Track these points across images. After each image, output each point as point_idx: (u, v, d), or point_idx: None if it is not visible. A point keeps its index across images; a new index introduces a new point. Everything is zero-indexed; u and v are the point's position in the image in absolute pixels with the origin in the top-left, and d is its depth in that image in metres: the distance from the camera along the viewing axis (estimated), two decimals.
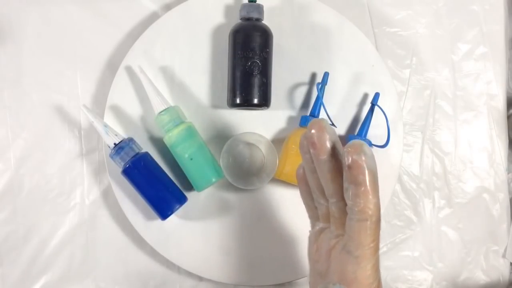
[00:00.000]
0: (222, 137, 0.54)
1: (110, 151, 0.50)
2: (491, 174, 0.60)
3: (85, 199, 0.56)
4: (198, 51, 0.55)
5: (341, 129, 0.55)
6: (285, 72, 0.55)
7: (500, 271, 0.59)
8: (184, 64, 0.55)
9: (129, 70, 0.54)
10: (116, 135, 0.50)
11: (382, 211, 0.38)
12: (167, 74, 0.54)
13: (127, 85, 0.54)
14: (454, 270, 0.59)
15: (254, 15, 0.52)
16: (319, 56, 0.55)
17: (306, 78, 0.55)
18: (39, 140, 0.56)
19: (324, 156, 0.33)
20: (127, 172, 0.50)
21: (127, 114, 0.54)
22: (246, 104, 0.51)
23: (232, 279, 0.53)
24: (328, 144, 0.32)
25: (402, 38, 0.60)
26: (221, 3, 0.55)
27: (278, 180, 0.52)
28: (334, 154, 0.33)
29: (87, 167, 0.56)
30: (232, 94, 0.52)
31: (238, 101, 0.51)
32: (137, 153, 0.50)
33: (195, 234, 0.53)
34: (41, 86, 0.56)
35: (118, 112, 0.54)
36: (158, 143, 0.54)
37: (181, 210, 0.52)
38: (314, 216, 0.39)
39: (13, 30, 0.57)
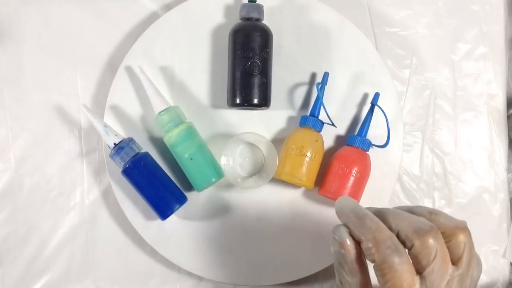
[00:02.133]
0: (222, 137, 0.54)
1: (110, 151, 0.50)
2: (491, 174, 0.60)
3: (85, 199, 0.56)
4: (198, 51, 0.55)
5: (341, 129, 0.55)
6: (285, 72, 0.55)
7: (500, 271, 0.59)
8: (184, 64, 0.55)
9: (129, 70, 0.54)
10: (116, 135, 0.50)
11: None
12: (167, 74, 0.54)
13: (127, 85, 0.54)
14: None
15: (254, 15, 0.52)
16: (319, 56, 0.55)
17: (306, 78, 0.55)
18: (39, 140, 0.56)
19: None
20: (127, 172, 0.50)
21: (127, 114, 0.54)
22: (246, 104, 0.51)
23: (232, 279, 0.53)
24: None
25: (402, 38, 0.60)
26: (221, 3, 0.55)
27: (278, 180, 0.52)
28: None
29: (87, 167, 0.56)
30: (232, 94, 0.52)
31: (238, 101, 0.51)
32: (137, 153, 0.50)
33: (195, 234, 0.53)
34: (41, 86, 0.56)
35: (118, 112, 0.54)
36: (158, 143, 0.54)
37: (181, 210, 0.52)
38: None
39: (13, 30, 0.57)
